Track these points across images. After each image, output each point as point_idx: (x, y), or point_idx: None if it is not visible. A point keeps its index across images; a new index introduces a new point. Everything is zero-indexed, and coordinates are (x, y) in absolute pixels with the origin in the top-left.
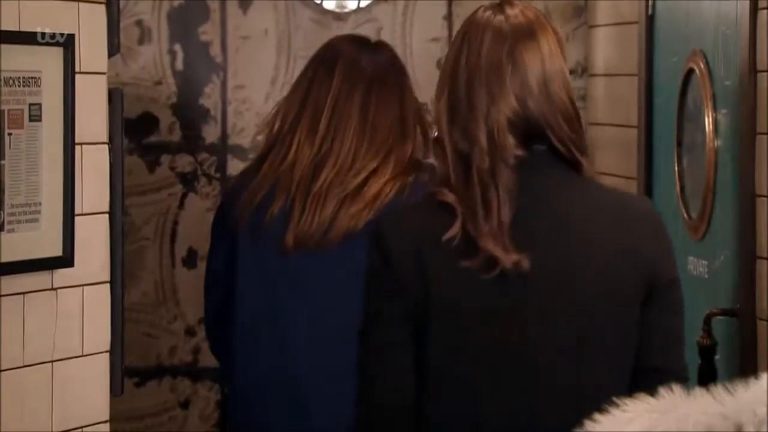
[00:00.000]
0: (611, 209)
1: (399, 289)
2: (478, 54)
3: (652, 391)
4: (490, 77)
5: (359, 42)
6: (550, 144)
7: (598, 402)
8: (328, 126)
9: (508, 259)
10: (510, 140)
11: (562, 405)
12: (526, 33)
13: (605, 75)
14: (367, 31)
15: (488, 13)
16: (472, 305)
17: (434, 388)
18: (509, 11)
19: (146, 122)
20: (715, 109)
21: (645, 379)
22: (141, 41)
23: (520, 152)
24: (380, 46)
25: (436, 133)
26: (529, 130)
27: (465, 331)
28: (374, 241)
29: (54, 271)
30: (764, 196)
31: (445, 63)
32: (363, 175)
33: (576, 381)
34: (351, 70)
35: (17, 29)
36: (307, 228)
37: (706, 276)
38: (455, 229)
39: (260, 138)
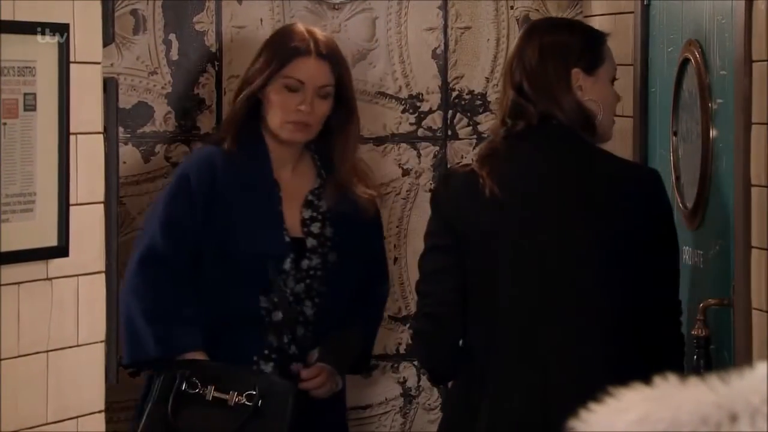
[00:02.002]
0: (610, 170)
1: (444, 226)
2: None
3: (650, 325)
4: (505, 74)
5: None
6: (557, 120)
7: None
8: None
9: (494, 190)
10: (509, 120)
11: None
12: (530, 32)
13: None
14: (362, 20)
15: None
16: (486, 229)
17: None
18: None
19: (141, 112)
20: (710, 99)
21: (643, 313)
22: (136, 31)
23: (519, 128)
24: None
25: None
26: (538, 110)
27: (485, 246)
28: (431, 195)
29: (49, 261)
30: (760, 186)
31: None
32: None
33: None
34: None
35: (12, 19)
36: None
37: (702, 266)
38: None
39: None
